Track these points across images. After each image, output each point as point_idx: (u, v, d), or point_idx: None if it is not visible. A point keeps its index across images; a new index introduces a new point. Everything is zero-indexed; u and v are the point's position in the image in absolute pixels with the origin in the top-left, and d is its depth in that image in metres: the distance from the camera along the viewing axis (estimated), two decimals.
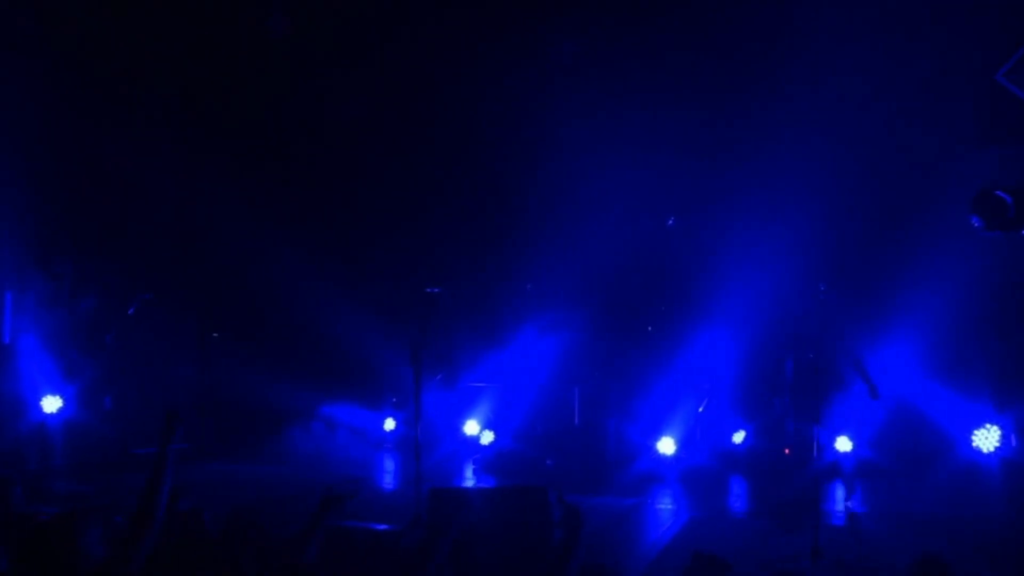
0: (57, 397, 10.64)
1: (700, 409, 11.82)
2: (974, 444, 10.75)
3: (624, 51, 11.87)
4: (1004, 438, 10.64)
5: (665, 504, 9.91)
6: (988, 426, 10.69)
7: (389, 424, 13.41)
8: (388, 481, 11.28)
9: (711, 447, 11.65)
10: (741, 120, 11.51)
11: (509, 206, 12.47)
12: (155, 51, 11.68)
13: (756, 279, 10.64)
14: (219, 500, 9.37)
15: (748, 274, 10.79)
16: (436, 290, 8.28)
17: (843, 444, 11.51)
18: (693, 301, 11.54)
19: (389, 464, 12.85)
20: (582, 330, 11.99)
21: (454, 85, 12.01)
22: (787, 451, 11.63)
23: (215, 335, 13.86)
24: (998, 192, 9.73)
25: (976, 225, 9.81)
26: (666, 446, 11.38)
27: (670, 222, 12.34)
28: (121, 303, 11.62)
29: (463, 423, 12.66)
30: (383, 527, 7.78)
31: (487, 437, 12.49)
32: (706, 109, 11.61)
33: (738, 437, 11.82)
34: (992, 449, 10.66)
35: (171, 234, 12.18)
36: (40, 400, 10.53)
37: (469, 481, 11.51)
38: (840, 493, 10.46)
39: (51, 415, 10.60)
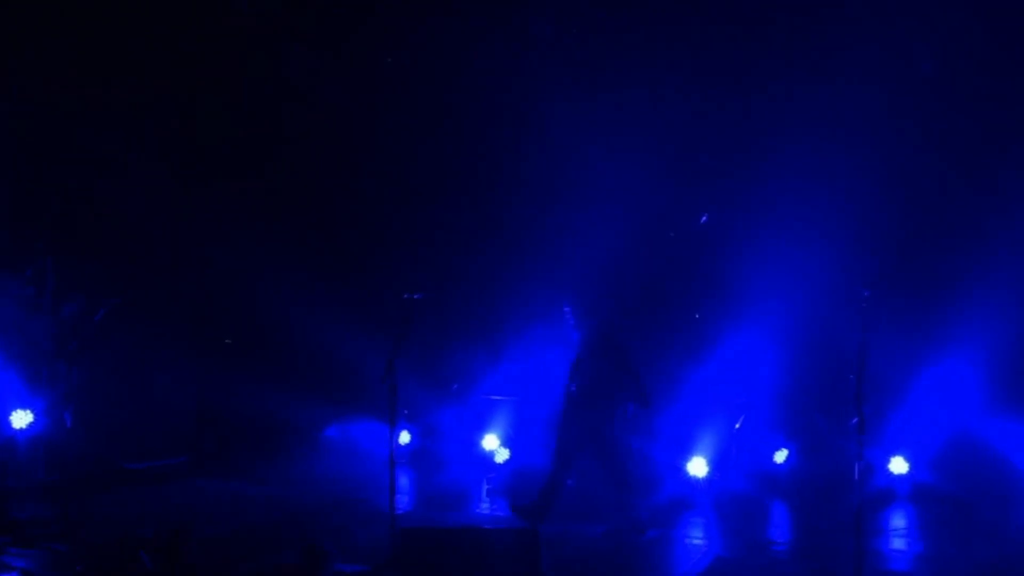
0: (27, 411, 9.83)
1: (736, 426, 10.63)
2: None
3: (652, 38, 10.91)
4: None
5: (694, 537, 8.71)
6: None
7: (404, 437, 12.53)
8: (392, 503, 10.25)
9: (748, 468, 10.47)
10: (783, 110, 10.51)
11: (521, 211, 11.49)
12: (140, 49, 10.90)
13: (796, 284, 9.52)
14: (208, 523, 8.59)
15: (787, 279, 9.67)
16: (417, 296, 7.27)
17: (898, 465, 10.31)
18: (726, 308, 10.39)
19: (402, 481, 11.92)
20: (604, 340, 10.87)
21: (463, 72, 11.11)
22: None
23: (227, 341, 13.18)
24: None
25: None
26: (697, 467, 10.19)
27: (703, 219, 11.18)
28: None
29: (478, 438, 11.71)
30: (350, 568, 6.79)
31: (502, 455, 11.47)
32: (746, 100, 10.70)
33: (780, 457, 10.63)
34: None
35: (155, 237, 11.32)
36: (8, 415, 9.73)
37: (484, 504, 10.48)
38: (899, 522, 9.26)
39: (21, 431, 9.78)
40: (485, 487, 10.90)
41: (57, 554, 7.48)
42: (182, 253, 11.72)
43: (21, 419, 9.73)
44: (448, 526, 6.59)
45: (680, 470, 10.26)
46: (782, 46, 10.44)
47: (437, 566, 6.00)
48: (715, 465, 10.22)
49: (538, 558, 6.11)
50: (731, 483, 10.24)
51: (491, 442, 11.55)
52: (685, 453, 10.28)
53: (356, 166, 12.06)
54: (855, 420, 10.54)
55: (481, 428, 11.78)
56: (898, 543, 8.55)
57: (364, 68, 11.60)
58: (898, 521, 9.37)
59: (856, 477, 6.44)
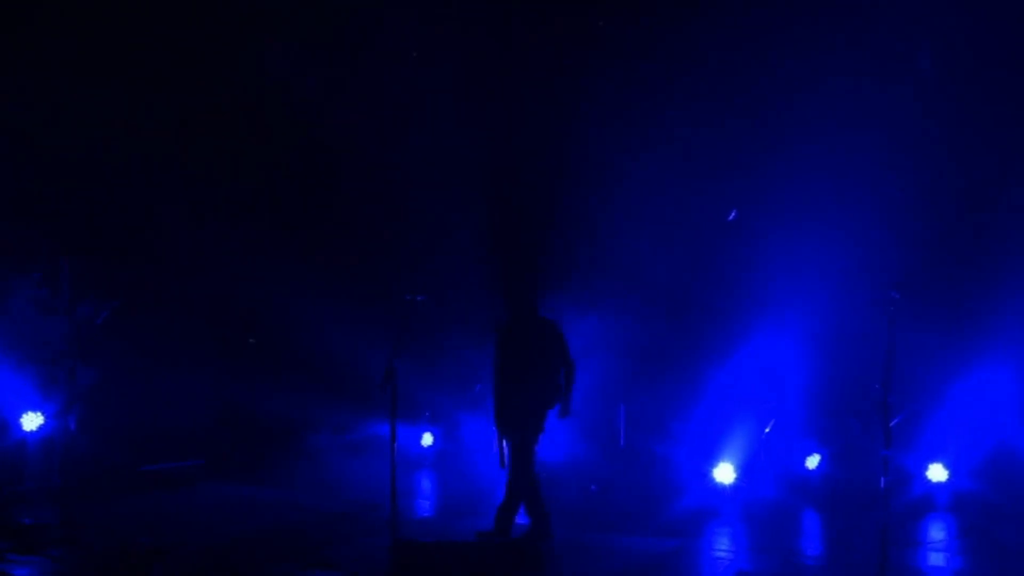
0: (38, 414, 9.69)
1: (766, 430, 10.18)
2: None
3: (676, 31, 10.53)
4: None
5: (718, 548, 8.28)
6: None
7: (427, 439, 12.26)
8: (411, 508, 9.98)
9: (778, 474, 10.01)
10: (810, 105, 10.02)
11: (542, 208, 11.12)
12: (154, 49, 10.74)
13: (826, 284, 9.05)
14: (212, 531, 8.40)
15: (815, 278, 9.21)
16: (420, 298, 6.97)
17: (937, 473, 9.79)
18: (754, 308, 9.93)
19: (424, 485, 11.65)
20: (629, 342, 10.48)
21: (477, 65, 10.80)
22: None
23: (251, 341, 13.01)
24: None
25: None
26: (724, 473, 9.76)
27: (732, 216, 10.73)
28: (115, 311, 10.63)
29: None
30: None
31: None
32: (772, 97, 10.28)
33: (811, 462, 10.16)
34: None
35: (172, 238, 11.13)
36: (19, 417, 9.59)
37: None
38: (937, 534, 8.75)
39: (31, 433, 9.64)
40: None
41: (55, 561, 7.29)
42: (200, 254, 11.53)
43: (32, 421, 9.61)
44: (447, 540, 6.29)
45: (706, 476, 9.85)
46: (809, 41, 9.97)
47: None
48: (743, 471, 9.79)
49: (542, 572, 5.76)
50: (760, 490, 9.80)
51: None
52: (711, 458, 9.85)
53: (376, 169, 11.77)
54: (894, 422, 10.18)
55: None
56: (935, 558, 8.06)
57: (369, 77, 11.32)
58: (936, 533, 8.87)
59: (882, 487, 5.91)
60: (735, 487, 9.71)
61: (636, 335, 10.54)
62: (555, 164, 10.79)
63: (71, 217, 10.47)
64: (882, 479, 6.19)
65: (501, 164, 11.45)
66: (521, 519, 7.46)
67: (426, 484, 11.72)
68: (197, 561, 7.21)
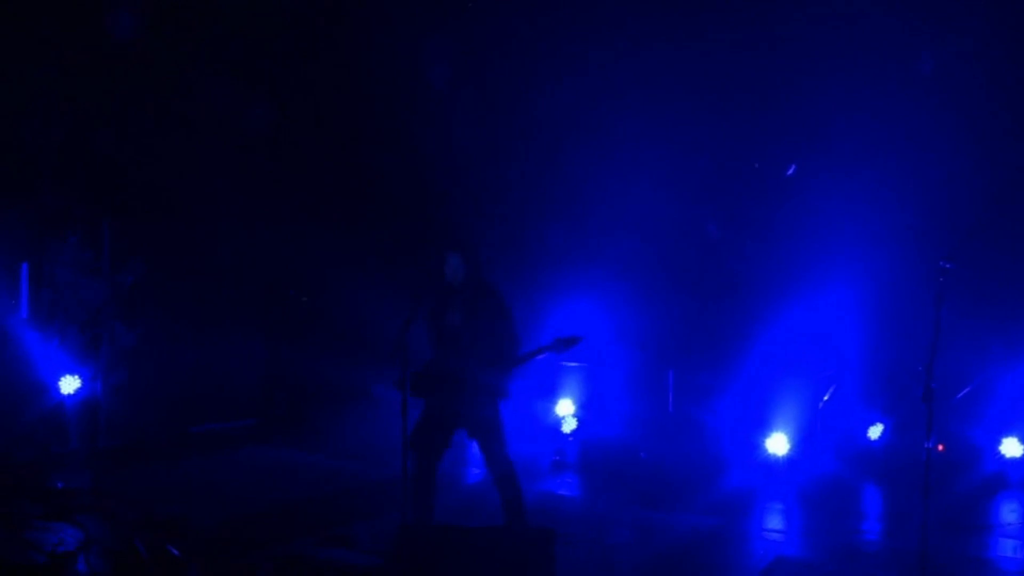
0: (75, 377, 9.65)
1: (825, 398, 9.57)
2: None
3: None
4: None
5: (770, 527, 7.78)
6: None
7: None
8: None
9: (837, 446, 9.41)
10: (857, 68, 9.24)
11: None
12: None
13: (886, 245, 8.37)
14: (241, 500, 8.25)
15: (875, 239, 8.52)
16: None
17: (1011, 447, 9.08)
18: (809, 271, 9.27)
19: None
20: (678, 306, 9.94)
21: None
22: (941, 447, 9.27)
23: (304, 299, 12.84)
24: None
25: None
26: (777, 444, 9.21)
27: (790, 171, 10.03)
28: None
29: (549, 406, 10.98)
30: (360, 561, 6.22)
31: (570, 424, 10.72)
32: (817, 61, 9.40)
33: (874, 432, 9.53)
34: None
35: (218, 201, 10.94)
36: (58, 380, 9.57)
37: (557, 469, 9.80)
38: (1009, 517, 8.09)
39: (69, 396, 9.61)
40: (555, 459, 10.19)
41: (78, 528, 7.21)
42: (247, 217, 11.34)
43: (70, 385, 9.57)
44: (454, 524, 5.97)
45: (757, 447, 9.32)
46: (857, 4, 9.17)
47: (435, 569, 5.35)
48: (797, 442, 9.23)
49: (552, 561, 5.38)
50: (816, 463, 9.23)
51: (565, 408, 10.82)
52: (763, 428, 9.31)
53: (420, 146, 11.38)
54: (961, 394, 9.47)
55: (551, 396, 11.07)
56: (1008, 547, 7.38)
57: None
58: (1008, 515, 8.20)
59: (924, 486, 5.35)
60: (789, 459, 9.17)
61: (685, 300, 10.00)
62: (589, 124, 10.22)
63: (112, 179, 10.33)
64: (925, 455, 5.56)
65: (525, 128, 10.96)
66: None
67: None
68: (214, 533, 7.05)
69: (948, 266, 5.35)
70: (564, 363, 11.10)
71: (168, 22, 10.38)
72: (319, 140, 11.81)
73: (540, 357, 6.36)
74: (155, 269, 10.39)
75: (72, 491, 8.29)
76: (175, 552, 5.73)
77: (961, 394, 9.46)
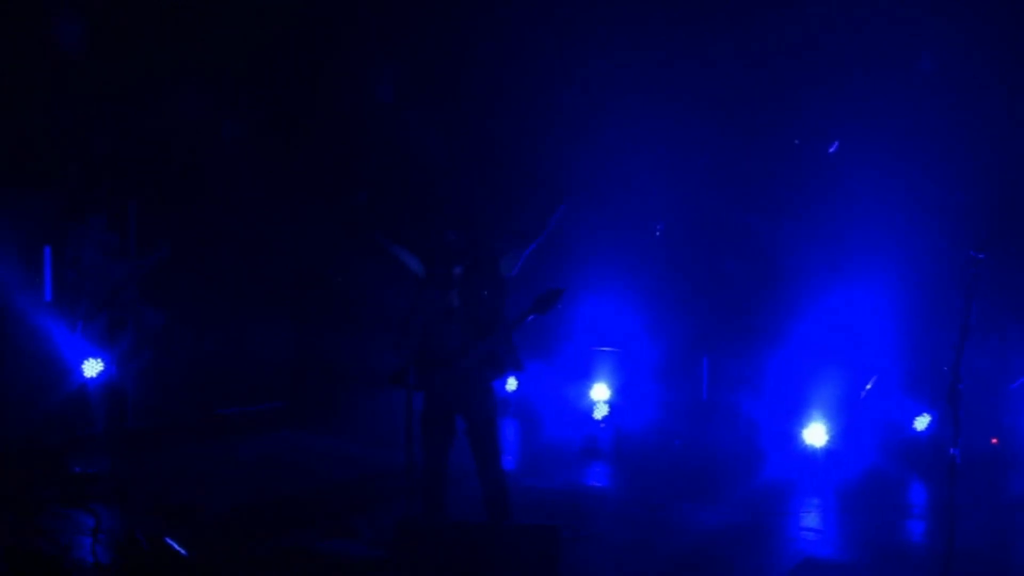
0: (98, 360, 9.57)
1: (867, 387, 9.11)
2: None
3: None
4: None
5: (806, 526, 7.37)
6: None
7: (510, 384, 11.63)
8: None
9: (879, 437, 8.96)
10: (885, 56, 8.80)
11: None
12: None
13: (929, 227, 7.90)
14: (255, 487, 8.10)
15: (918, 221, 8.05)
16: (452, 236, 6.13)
17: None
18: (850, 254, 8.80)
19: (508, 429, 11.10)
20: (712, 291, 9.55)
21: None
22: (994, 441, 8.80)
23: (338, 280, 12.67)
24: None
25: None
26: (815, 435, 8.79)
27: (833, 148, 9.54)
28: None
29: (583, 391, 10.67)
30: (362, 553, 6.01)
31: (601, 411, 10.40)
32: (844, 51, 8.99)
33: (921, 423, 9.05)
34: None
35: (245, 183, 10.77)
36: (82, 363, 9.49)
37: (588, 456, 9.51)
38: None
39: (92, 379, 9.54)
40: (586, 447, 9.89)
41: (90, 515, 7.11)
42: (279, 194, 11.18)
43: (92, 367, 9.49)
44: (459, 520, 5.72)
45: (794, 438, 8.91)
46: None
47: (435, 565, 5.10)
48: (837, 433, 8.80)
49: (556, 560, 5.09)
50: (857, 455, 8.79)
51: (599, 392, 10.50)
52: (800, 417, 8.89)
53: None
54: (1015, 384, 8.94)
55: (585, 380, 10.76)
56: None
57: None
58: None
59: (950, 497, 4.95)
60: (827, 451, 8.74)
61: (719, 284, 9.60)
62: (622, 110, 9.84)
63: (138, 159, 10.21)
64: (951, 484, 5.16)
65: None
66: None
67: (511, 431, 11.16)
68: (221, 522, 6.91)
69: (980, 256, 4.91)
70: (598, 348, 10.80)
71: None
72: (353, 119, 11.59)
73: (529, 320, 5.93)
74: (183, 250, 10.24)
75: (89, 476, 8.21)
76: (173, 545, 5.55)
77: (1017, 383, 8.96)
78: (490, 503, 6.02)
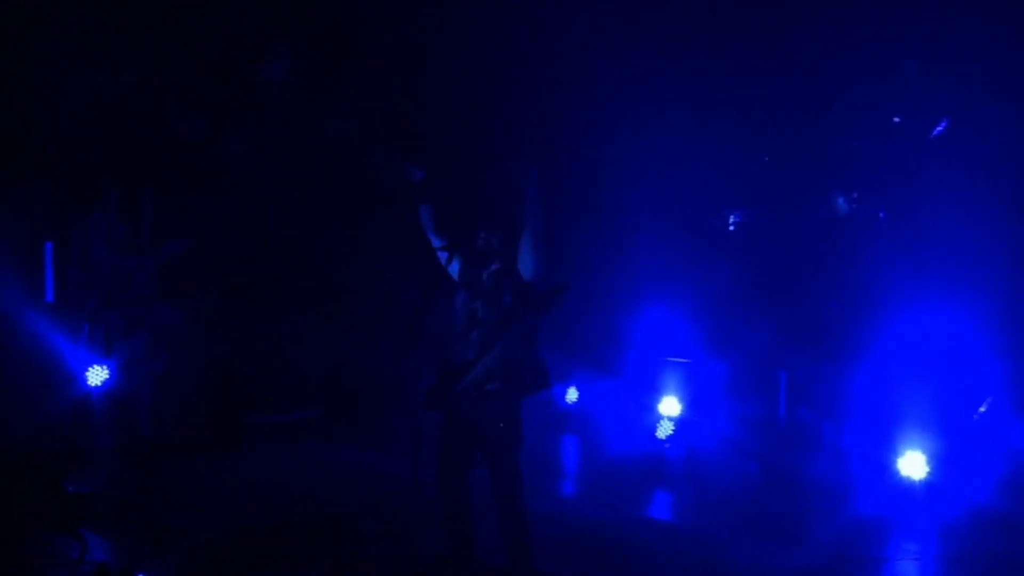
0: (103, 367, 8.73)
1: (981, 409, 7.79)
2: None
3: None
4: None
5: (903, 571, 6.16)
6: None
7: (572, 395, 10.60)
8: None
9: (990, 468, 7.63)
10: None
11: None
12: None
13: None
14: (258, 509, 7.18)
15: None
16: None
17: None
18: (945, 263, 7.59)
19: (565, 446, 10.07)
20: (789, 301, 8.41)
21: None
22: None
23: (389, 275, 11.75)
24: None
25: None
26: (912, 466, 7.50)
27: (939, 129, 8.32)
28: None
29: (649, 406, 9.57)
30: None
31: (666, 428, 9.25)
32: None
33: None
34: None
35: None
36: (86, 368, 8.66)
37: (651, 479, 8.41)
38: None
39: (96, 387, 8.70)
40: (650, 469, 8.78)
41: (75, 539, 6.29)
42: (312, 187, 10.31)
43: (97, 375, 8.66)
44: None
45: (887, 468, 7.63)
46: None
47: None
48: (938, 463, 7.50)
49: None
50: (964, 490, 7.47)
51: (669, 406, 9.37)
52: (893, 444, 7.61)
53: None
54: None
55: (651, 394, 9.65)
56: None
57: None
58: None
59: None
60: (928, 484, 7.45)
61: (797, 294, 8.43)
62: (688, 107, 8.82)
63: (152, 147, 9.39)
64: None
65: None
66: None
67: (564, 444, 10.11)
68: (211, 547, 6.12)
69: None
70: (667, 358, 9.71)
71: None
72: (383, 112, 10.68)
73: (531, 324, 5.02)
74: (204, 244, 9.40)
75: (83, 496, 7.36)
76: None
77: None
78: (509, 545, 5.03)
